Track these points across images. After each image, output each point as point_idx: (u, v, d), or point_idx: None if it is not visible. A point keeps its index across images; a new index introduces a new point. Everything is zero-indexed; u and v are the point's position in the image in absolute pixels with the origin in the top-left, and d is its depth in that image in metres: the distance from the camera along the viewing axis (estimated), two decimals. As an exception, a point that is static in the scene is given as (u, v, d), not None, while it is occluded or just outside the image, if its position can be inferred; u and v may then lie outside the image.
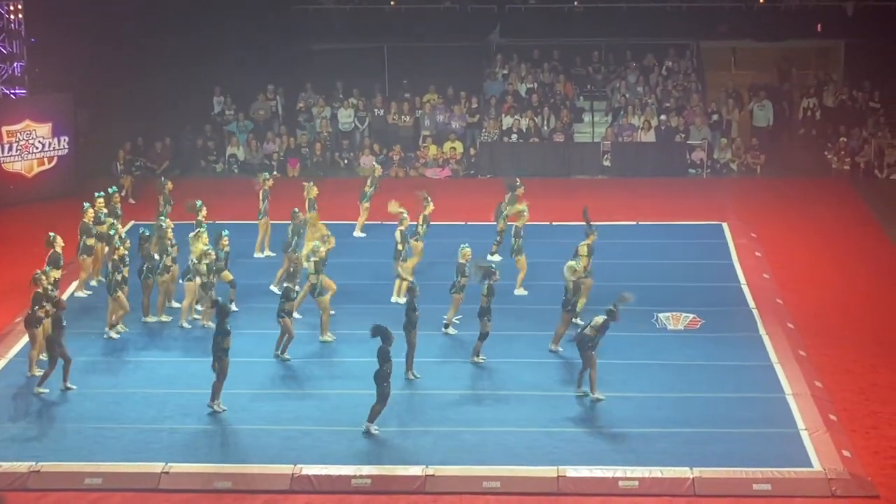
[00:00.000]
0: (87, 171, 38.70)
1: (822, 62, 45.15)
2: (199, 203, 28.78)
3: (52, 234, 26.66)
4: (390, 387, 21.83)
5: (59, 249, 26.34)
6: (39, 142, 37.43)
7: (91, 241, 28.20)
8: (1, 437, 21.91)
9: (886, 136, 40.04)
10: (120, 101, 41.09)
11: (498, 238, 30.56)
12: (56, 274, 25.75)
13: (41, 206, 35.77)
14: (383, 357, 21.65)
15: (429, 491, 20.23)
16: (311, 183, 31.16)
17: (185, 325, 26.76)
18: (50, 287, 24.52)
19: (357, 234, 32.70)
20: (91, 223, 28.33)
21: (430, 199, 29.42)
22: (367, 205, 32.79)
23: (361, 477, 20.50)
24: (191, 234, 27.14)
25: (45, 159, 37.68)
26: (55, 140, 37.72)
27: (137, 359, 25.23)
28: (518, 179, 31.25)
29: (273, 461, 20.92)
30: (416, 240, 28.92)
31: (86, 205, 28.64)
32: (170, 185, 31.03)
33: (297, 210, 28.89)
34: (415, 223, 28.90)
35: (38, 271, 24.55)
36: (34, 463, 20.78)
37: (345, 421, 22.39)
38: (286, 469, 20.62)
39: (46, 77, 38.89)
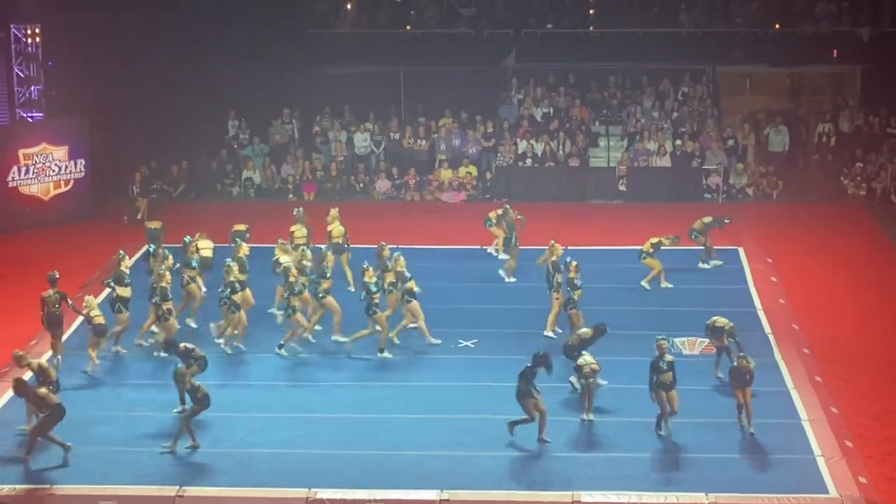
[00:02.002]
0: (104, 194, 38.81)
1: (837, 87, 45.09)
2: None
3: (121, 252, 27.62)
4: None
5: (124, 268, 26.82)
6: (56, 164, 37.52)
7: (122, 292, 26.87)
8: (15, 460, 21.92)
9: (903, 161, 40.01)
10: (136, 124, 41.15)
11: (704, 253, 32.44)
12: (124, 291, 26.42)
13: (57, 229, 35.86)
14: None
15: (444, 515, 20.22)
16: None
17: (311, 338, 27.09)
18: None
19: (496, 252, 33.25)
20: (126, 272, 27.22)
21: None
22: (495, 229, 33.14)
23: (376, 501, 20.46)
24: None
25: (62, 182, 37.75)
26: (71, 163, 37.80)
27: (151, 382, 25.24)
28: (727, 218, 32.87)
29: (288, 485, 20.91)
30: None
31: (121, 253, 28.03)
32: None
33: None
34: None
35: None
36: (48, 486, 20.81)
37: (360, 444, 22.39)
38: (301, 493, 20.59)
39: (63, 100, 38.99)
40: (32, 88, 37.67)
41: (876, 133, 41.68)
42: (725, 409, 23.45)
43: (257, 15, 41.94)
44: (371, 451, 22.13)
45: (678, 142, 40.82)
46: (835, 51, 43.51)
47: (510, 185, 40.44)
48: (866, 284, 31.37)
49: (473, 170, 40.96)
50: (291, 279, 26.49)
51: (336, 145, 42.00)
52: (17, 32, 37.24)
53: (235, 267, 26.84)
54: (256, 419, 23.39)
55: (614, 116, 42.96)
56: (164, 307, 26.25)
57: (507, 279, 30.97)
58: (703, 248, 32.30)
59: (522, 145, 41.11)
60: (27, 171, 37.02)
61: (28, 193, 37.17)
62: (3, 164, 36.68)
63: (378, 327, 26.27)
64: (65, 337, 26.68)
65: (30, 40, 37.38)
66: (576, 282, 26.78)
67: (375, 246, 28.84)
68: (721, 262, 32.29)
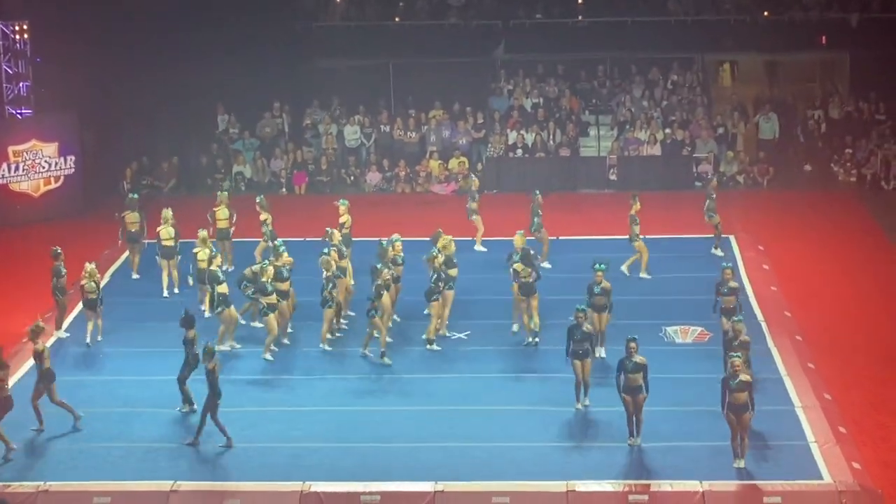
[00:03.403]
0: (94, 191, 38.72)
1: (827, 74, 45.13)
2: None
3: (213, 249, 28.02)
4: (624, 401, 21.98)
5: (215, 267, 26.75)
6: (46, 161, 37.46)
7: (220, 289, 26.42)
8: (10, 457, 21.91)
9: (892, 147, 40.01)
10: (126, 119, 41.06)
11: (716, 240, 32.59)
12: (221, 289, 26.17)
13: (48, 226, 35.77)
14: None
15: (438, 507, 20.23)
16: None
17: (327, 347, 26.66)
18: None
19: (477, 247, 33.22)
20: (218, 270, 26.85)
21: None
22: (477, 217, 33.10)
23: (371, 493, 20.46)
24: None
25: (52, 178, 37.70)
26: (62, 159, 37.73)
27: (145, 377, 25.23)
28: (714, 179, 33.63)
29: (282, 479, 20.91)
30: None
31: (214, 250, 28.32)
32: None
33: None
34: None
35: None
36: (42, 482, 20.78)
37: (353, 437, 22.40)
38: (295, 486, 20.59)
39: (52, 97, 38.86)
40: (21, 85, 37.58)
41: (866, 119, 41.71)
42: (716, 398, 23.32)
43: (246, 9, 41.81)
44: (365, 443, 22.15)
45: (668, 130, 40.83)
46: (824, 37, 43.51)
47: (501, 176, 40.44)
48: (857, 271, 31.42)
49: (464, 161, 40.95)
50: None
51: (326, 138, 41.97)
52: (4, 29, 37.15)
53: (334, 264, 26.68)
54: (250, 413, 23.38)
55: (604, 106, 42.97)
56: (265, 301, 26.08)
57: (544, 264, 30.65)
58: (714, 234, 32.32)
59: (513, 136, 41.10)
60: (17, 168, 36.96)
61: (18, 190, 37.11)
62: (-7, 162, 36.72)
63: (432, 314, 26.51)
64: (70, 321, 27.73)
65: (18, 36, 37.30)
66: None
67: (371, 239, 28.89)
68: (722, 254, 32.15)
